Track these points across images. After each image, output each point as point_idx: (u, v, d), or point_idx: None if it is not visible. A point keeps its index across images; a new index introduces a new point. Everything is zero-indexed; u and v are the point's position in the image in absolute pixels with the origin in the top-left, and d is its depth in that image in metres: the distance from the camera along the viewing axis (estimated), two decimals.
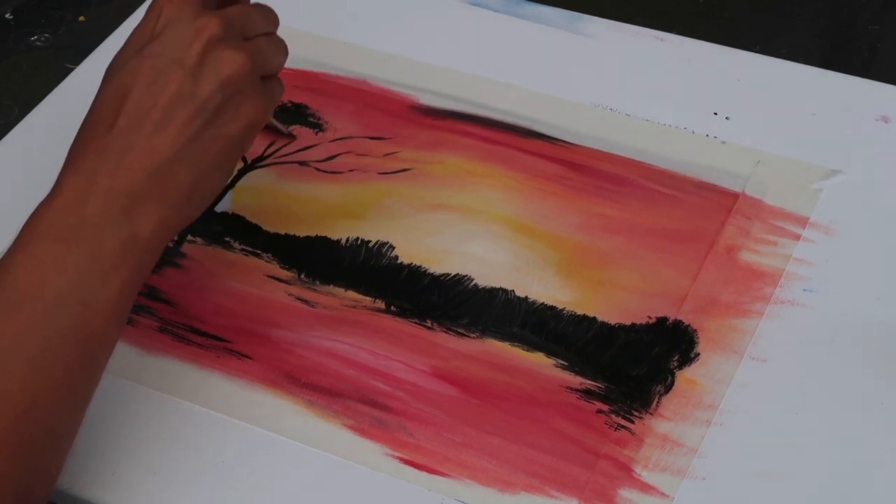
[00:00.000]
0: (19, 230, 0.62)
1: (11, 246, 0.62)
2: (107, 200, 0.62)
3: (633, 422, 0.67)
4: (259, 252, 0.77)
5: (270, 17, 0.69)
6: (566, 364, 0.70)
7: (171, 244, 0.74)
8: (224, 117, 0.64)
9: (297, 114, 0.83)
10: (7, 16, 0.97)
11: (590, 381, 0.69)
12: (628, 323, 0.71)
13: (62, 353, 0.60)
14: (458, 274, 0.74)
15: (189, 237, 0.77)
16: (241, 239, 0.77)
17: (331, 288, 0.74)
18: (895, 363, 0.69)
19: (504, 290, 0.73)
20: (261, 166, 0.81)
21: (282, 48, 0.69)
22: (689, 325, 0.71)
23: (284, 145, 0.82)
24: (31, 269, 0.60)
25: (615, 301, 0.72)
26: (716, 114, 0.82)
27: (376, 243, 0.76)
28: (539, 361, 0.70)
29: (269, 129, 0.82)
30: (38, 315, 0.60)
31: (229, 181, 0.79)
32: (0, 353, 0.59)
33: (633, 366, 0.69)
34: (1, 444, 0.58)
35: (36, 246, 0.61)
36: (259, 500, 0.65)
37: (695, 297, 0.72)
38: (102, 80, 0.65)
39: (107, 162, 0.62)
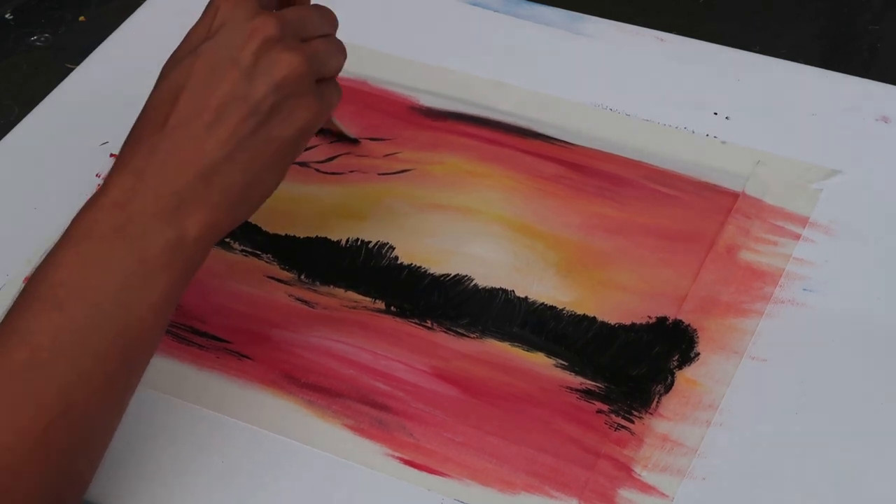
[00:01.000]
0: (66, 227, 0.61)
1: (57, 242, 0.61)
2: (155, 200, 0.61)
3: (633, 422, 0.67)
4: (259, 253, 0.77)
5: (329, 18, 0.67)
6: (566, 364, 0.70)
7: None
8: (277, 119, 0.63)
9: None
10: (7, 16, 0.97)
11: (590, 381, 0.69)
12: (628, 323, 0.71)
13: (102, 356, 0.59)
14: (458, 274, 0.74)
15: None
16: (240, 239, 0.77)
17: (331, 288, 0.74)
18: (895, 363, 0.69)
19: (504, 291, 0.73)
20: None
21: (340, 51, 0.67)
22: (689, 325, 0.71)
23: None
24: (74, 268, 0.59)
25: (615, 301, 0.72)
26: (716, 114, 0.82)
27: (376, 244, 0.76)
28: (539, 361, 0.70)
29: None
30: (79, 316, 0.58)
31: None
32: (39, 353, 0.58)
33: (633, 366, 0.69)
34: (35, 446, 0.57)
35: (81, 244, 0.60)
36: (259, 500, 0.65)
37: (695, 297, 0.72)
38: (157, 79, 0.64)
39: (156, 161, 0.61)
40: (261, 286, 0.75)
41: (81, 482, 0.60)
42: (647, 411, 0.67)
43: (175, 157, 0.61)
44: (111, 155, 0.83)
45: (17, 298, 0.60)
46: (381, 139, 0.82)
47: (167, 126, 0.62)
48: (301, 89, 0.64)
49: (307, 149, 0.71)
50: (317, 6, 0.68)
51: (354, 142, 0.82)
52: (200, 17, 0.65)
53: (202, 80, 0.62)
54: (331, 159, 0.81)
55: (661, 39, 0.88)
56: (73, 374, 0.58)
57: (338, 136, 0.82)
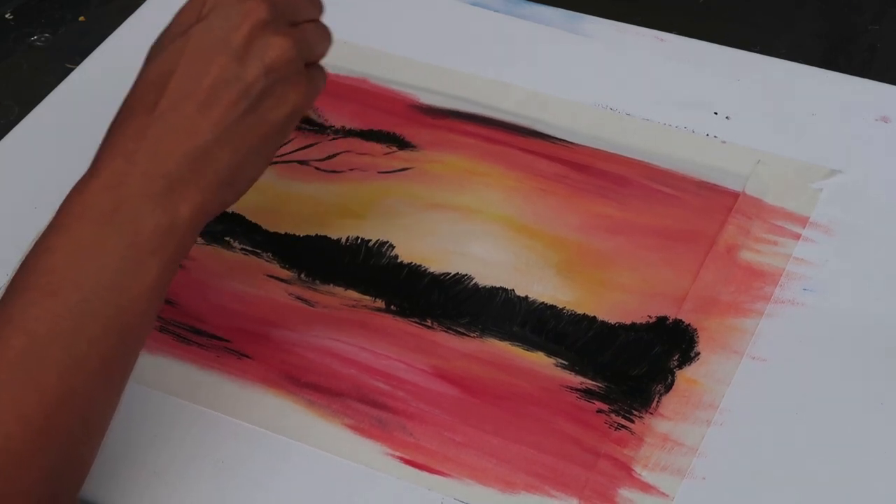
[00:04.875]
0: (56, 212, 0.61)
1: (48, 228, 0.60)
2: (145, 183, 0.60)
3: (633, 421, 0.67)
4: (259, 251, 0.77)
5: (316, 3, 0.68)
6: (566, 363, 0.70)
7: None
8: (267, 103, 0.63)
9: None
10: (7, 16, 0.97)
11: (590, 381, 0.69)
12: (628, 322, 0.71)
13: (98, 340, 0.59)
14: (458, 273, 0.74)
15: None
16: (240, 238, 0.77)
17: (331, 287, 0.74)
18: (895, 363, 0.69)
19: (504, 290, 0.73)
20: None
21: (326, 36, 0.67)
22: (689, 325, 0.71)
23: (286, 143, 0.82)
24: (66, 254, 0.59)
25: (615, 301, 0.72)
26: (716, 114, 0.82)
27: (376, 242, 0.76)
28: (539, 361, 0.70)
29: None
30: (73, 302, 0.58)
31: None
32: (36, 341, 0.58)
33: (634, 365, 0.69)
34: (37, 434, 0.57)
35: (73, 228, 0.60)
36: (259, 500, 0.65)
37: (695, 297, 0.72)
38: (145, 61, 0.64)
39: (147, 144, 0.61)
40: (260, 285, 0.75)
41: (83, 467, 0.60)
42: (647, 411, 0.67)
43: (166, 139, 0.61)
44: None
45: (9, 286, 0.60)
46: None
47: (157, 108, 0.62)
48: (291, 73, 0.64)
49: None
50: None
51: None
52: (189, 0, 0.65)
53: (193, 62, 0.62)
54: (331, 157, 0.81)
55: (661, 39, 0.88)
56: (70, 360, 0.58)
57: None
